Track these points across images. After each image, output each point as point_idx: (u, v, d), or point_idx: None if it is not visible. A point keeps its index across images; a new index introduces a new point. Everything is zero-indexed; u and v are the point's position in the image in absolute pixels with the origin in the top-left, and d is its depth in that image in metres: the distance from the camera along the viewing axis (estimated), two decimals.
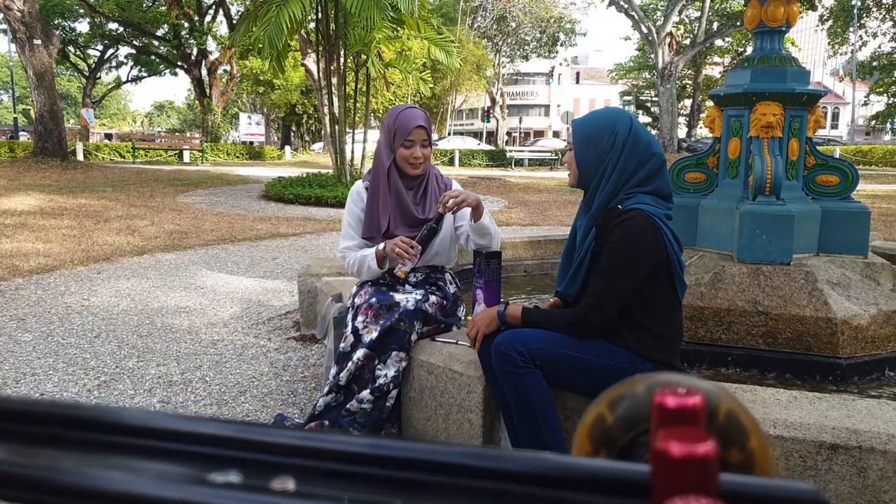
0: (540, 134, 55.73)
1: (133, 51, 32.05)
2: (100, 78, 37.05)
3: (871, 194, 12.37)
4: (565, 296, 2.07)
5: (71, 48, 30.39)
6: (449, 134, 37.09)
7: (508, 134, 47.70)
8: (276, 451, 0.29)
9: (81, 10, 28.40)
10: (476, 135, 44.61)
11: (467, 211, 2.37)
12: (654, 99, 37.41)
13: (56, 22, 27.93)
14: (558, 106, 55.87)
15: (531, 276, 5.15)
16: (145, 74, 34.71)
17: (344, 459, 0.29)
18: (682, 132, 35.30)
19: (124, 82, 36.91)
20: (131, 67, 34.70)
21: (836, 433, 1.81)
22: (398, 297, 2.30)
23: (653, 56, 26.48)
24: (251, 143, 29.89)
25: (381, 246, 2.33)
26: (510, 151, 26.75)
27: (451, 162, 25.92)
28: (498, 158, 26.35)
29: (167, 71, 33.03)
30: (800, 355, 2.93)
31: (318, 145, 33.17)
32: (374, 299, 2.29)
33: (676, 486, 0.26)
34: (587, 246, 1.93)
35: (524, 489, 0.28)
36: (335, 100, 11.25)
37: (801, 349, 2.93)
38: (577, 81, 61.16)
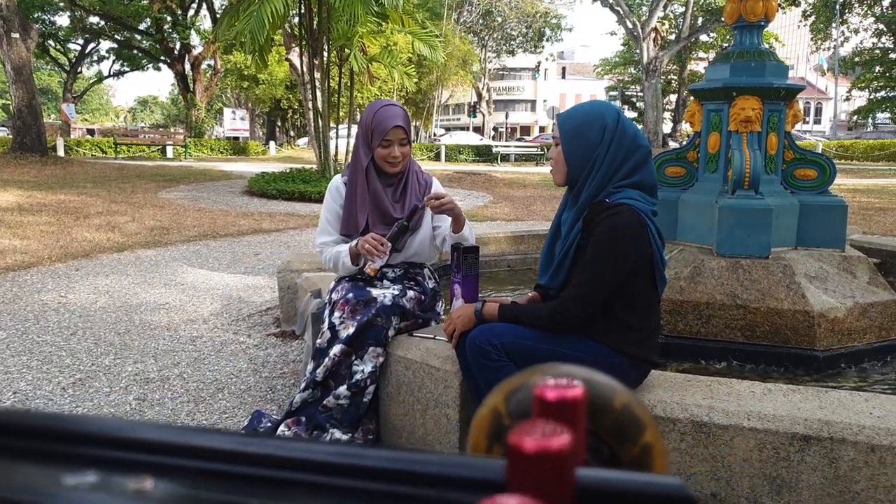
0: (526, 130, 55.80)
1: (115, 45, 31.64)
2: (81, 72, 36.61)
3: (851, 188, 12.49)
4: (547, 289, 2.06)
5: (51, 42, 29.98)
6: (448, 130, 37.06)
7: (495, 129, 47.73)
8: (136, 448, 0.28)
9: (61, 4, 28.01)
10: (463, 129, 44.55)
11: (442, 218, 2.41)
12: (639, 94, 37.55)
13: (35, 15, 27.53)
14: (544, 101, 55.91)
15: (514, 271, 5.15)
16: (127, 69, 34.31)
17: (208, 457, 0.28)
18: (667, 127, 35.47)
19: (106, 77, 36.51)
20: (113, 62, 34.28)
21: (808, 424, 1.82)
22: (375, 292, 2.29)
23: (638, 51, 26.57)
24: (236, 138, 29.67)
25: (353, 243, 2.31)
26: (496, 147, 26.75)
27: (437, 157, 25.89)
28: (484, 154, 26.34)
29: (150, 66, 32.67)
30: (778, 348, 2.95)
31: (302, 140, 33.00)
32: (350, 295, 2.27)
33: (530, 482, 0.25)
34: (573, 238, 1.92)
35: (384, 487, 0.27)
36: (319, 95, 11.18)
37: (779, 342, 2.95)
38: (563, 76, 61.26)
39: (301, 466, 0.27)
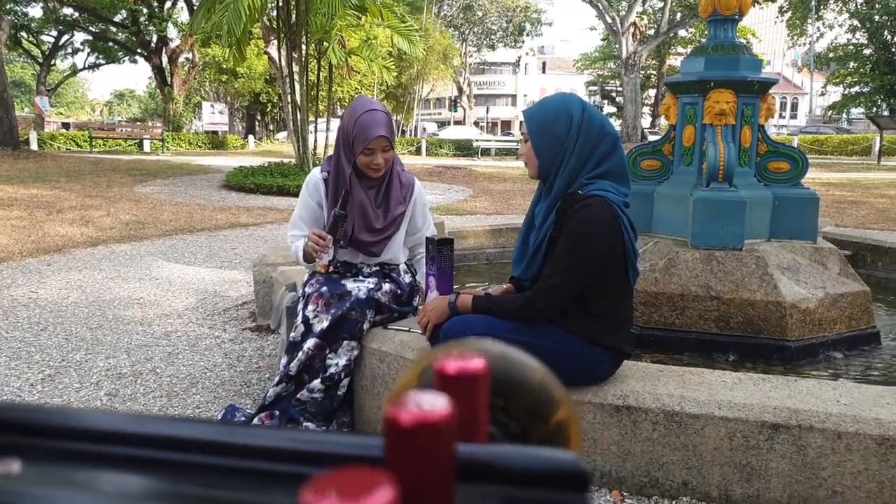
0: (507, 124, 55.85)
1: (89, 37, 31.08)
2: (55, 65, 35.97)
3: (825, 182, 12.68)
4: (521, 280, 2.06)
5: (23, 34, 29.36)
6: (446, 124, 36.91)
7: (476, 123, 47.71)
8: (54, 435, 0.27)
9: None
10: (443, 124, 44.48)
11: (420, 219, 2.48)
12: (618, 89, 37.72)
13: (7, 6, 26.96)
14: (525, 96, 56.02)
15: (492, 264, 5.16)
16: (103, 62, 33.74)
17: (79, 438, 0.27)
18: (646, 122, 35.70)
19: (81, 69, 35.91)
20: (88, 54, 33.70)
21: (777, 413, 1.84)
22: (350, 285, 2.27)
23: (617, 46, 26.68)
24: (214, 132, 29.33)
25: (301, 243, 2.31)
26: (476, 141, 26.74)
27: (418, 151, 25.83)
28: (465, 148, 26.32)
29: (126, 58, 32.15)
30: (750, 338, 2.98)
31: (282, 134, 32.75)
32: (324, 288, 2.26)
33: (406, 456, 0.25)
34: (546, 230, 1.93)
35: (266, 465, 0.27)
36: (297, 88, 11.09)
37: (752, 332, 2.98)
38: (544, 71, 61.40)
39: (183, 446, 0.27)
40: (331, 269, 2.31)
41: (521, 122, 2.08)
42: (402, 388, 0.39)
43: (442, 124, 44.50)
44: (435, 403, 0.25)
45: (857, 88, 32.32)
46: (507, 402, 0.36)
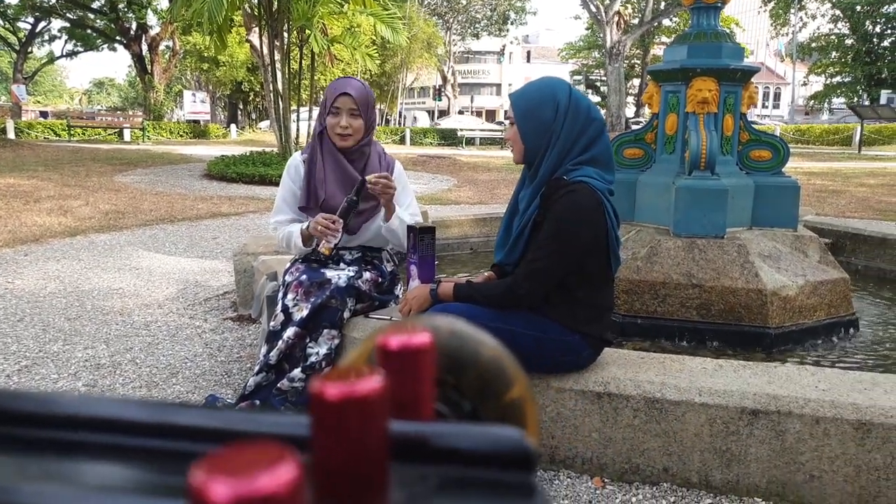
0: (492, 113, 55.75)
1: (67, 24, 30.53)
2: (31, 52, 35.26)
3: (807, 171, 12.79)
4: (503, 266, 2.06)
5: None
6: (445, 114, 36.67)
7: (461, 112, 47.57)
8: None
9: None
10: (430, 113, 44.28)
11: (402, 199, 2.42)
12: (603, 78, 37.78)
13: None
14: (510, 85, 55.85)
15: (476, 253, 5.16)
16: (81, 49, 33.16)
17: (55, 425, 0.25)
18: (630, 111, 35.79)
19: (58, 57, 35.25)
20: (66, 41, 33.10)
21: (757, 399, 1.85)
22: (329, 274, 2.25)
23: (601, 35, 26.67)
24: (196, 121, 29.00)
25: (304, 225, 2.27)
26: (461, 130, 26.67)
27: (402, 140, 25.72)
28: (449, 137, 26.25)
29: (105, 46, 31.63)
30: (732, 326, 3.00)
31: (265, 123, 32.45)
32: (304, 276, 2.23)
33: (333, 433, 0.23)
34: (530, 214, 1.92)
35: (189, 446, 0.25)
36: (280, 77, 10.98)
37: (733, 320, 3.00)
38: (528, 60, 61.28)
39: (102, 426, 0.25)
40: (342, 254, 2.29)
41: (505, 111, 2.06)
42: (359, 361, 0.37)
43: (431, 115, 44.28)
44: (366, 378, 0.24)
45: (838, 78, 32.62)
46: (458, 379, 0.35)
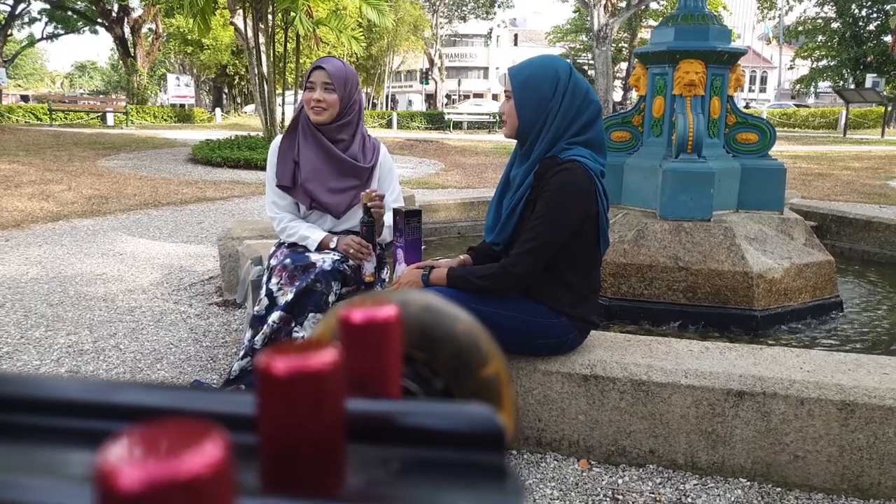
0: (479, 97, 55.50)
1: (47, 6, 29.96)
2: (11, 35, 34.58)
3: (792, 155, 12.85)
4: (493, 245, 2.04)
5: None
6: (445, 105, 36.45)
7: (448, 96, 47.32)
8: None
9: None
10: (427, 97, 43.95)
11: (386, 183, 2.45)
12: (590, 62, 37.65)
13: None
14: (497, 68, 55.57)
15: (464, 237, 5.14)
16: (62, 32, 32.61)
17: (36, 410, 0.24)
18: (617, 95, 35.76)
19: (39, 40, 34.64)
20: (46, 24, 32.51)
21: (742, 380, 1.86)
22: (314, 257, 2.23)
23: (589, 18, 26.54)
24: (181, 105, 28.65)
25: (333, 242, 2.28)
26: (448, 114, 26.54)
27: (389, 124, 25.57)
28: (437, 121, 26.12)
29: (86, 29, 31.11)
30: (718, 308, 3.01)
31: (250, 107, 32.14)
32: (288, 260, 2.21)
33: (283, 414, 0.21)
34: (523, 192, 1.90)
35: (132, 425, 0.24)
36: (265, 60, 10.84)
37: (720, 302, 3.01)
38: (516, 44, 60.94)
39: (34, 407, 0.23)
40: (376, 276, 2.30)
41: (504, 78, 2.04)
42: (324, 334, 0.35)
43: (428, 99, 43.94)
44: (319, 352, 0.22)
45: (824, 62, 32.73)
46: (430, 355, 0.33)
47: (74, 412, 0.24)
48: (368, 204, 2.21)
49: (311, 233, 2.33)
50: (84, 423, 0.24)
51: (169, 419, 0.18)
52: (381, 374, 0.26)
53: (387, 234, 2.34)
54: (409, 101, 35.91)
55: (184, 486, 0.16)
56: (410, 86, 54.45)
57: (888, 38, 26.44)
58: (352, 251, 2.22)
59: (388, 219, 2.32)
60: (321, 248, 2.30)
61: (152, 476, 0.16)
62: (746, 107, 34.35)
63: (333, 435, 0.22)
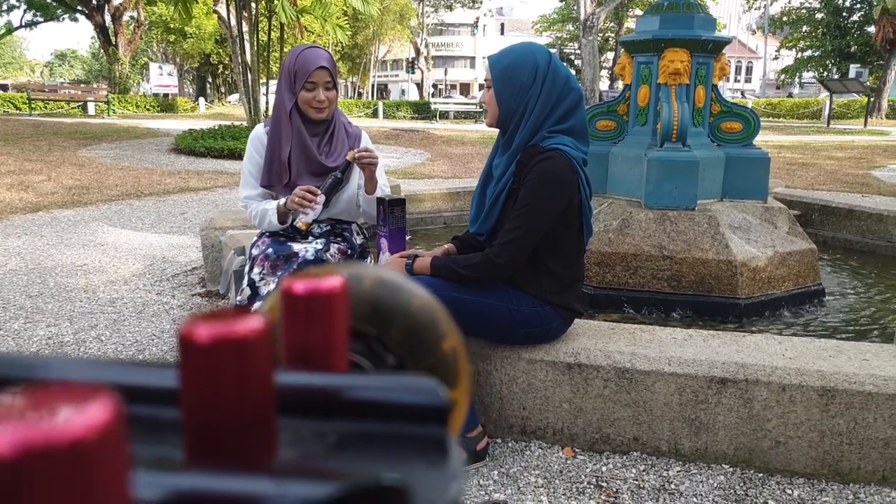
0: (466, 87, 55.36)
1: None
2: None
3: (777, 145, 12.94)
4: (477, 235, 2.03)
5: None
6: (432, 95, 36.18)
7: (434, 86, 47.13)
8: None
9: None
10: (418, 86, 43.65)
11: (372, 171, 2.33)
12: (577, 52, 37.63)
13: None
14: (484, 58, 55.44)
15: (450, 227, 5.13)
16: (41, 19, 32.03)
17: None
18: (604, 85, 35.78)
19: (17, 28, 34.00)
20: (24, 11, 31.93)
21: (725, 368, 1.86)
22: (297, 247, 2.21)
23: (575, 7, 26.50)
24: (164, 95, 28.32)
25: (282, 201, 2.20)
26: (435, 104, 26.44)
27: (374, 114, 25.44)
28: (423, 110, 26.02)
29: (66, 16, 30.59)
30: (702, 297, 3.03)
31: (234, 97, 31.83)
32: (270, 250, 2.18)
33: (206, 383, 0.20)
34: (505, 182, 1.89)
35: None
36: (248, 48, 10.73)
37: (704, 291, 3.02)
38: (502, 33, 60.76)
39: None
40: (312, 227, 2.22)
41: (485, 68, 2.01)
42: (267, 314, 0.34)
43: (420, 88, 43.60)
44: (245, 318, 0.21)
45: (809, 52, 32.91)
46: (383, 331, 0.32)
47: None
48: (356, 158, 2.12)
49: (269, 206, 2.26)
50: None
51: (55, 384, 0.16)
52: (326, 347, 0.24)
53: (382, 189, 2.27)
54: (403, 91, 35.69)
55: (65, 451, 0.15)
56: (396, 75, 54.16)
57: (872, 29, 26.63)
58: (296, 200, 2.11)
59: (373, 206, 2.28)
60: (282, 217, 2.23)
61: (28, 440, 0.14)
62: (743, 96, 34.45)
63: (263, 406, 0.21)
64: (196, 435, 0.20)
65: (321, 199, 2.12)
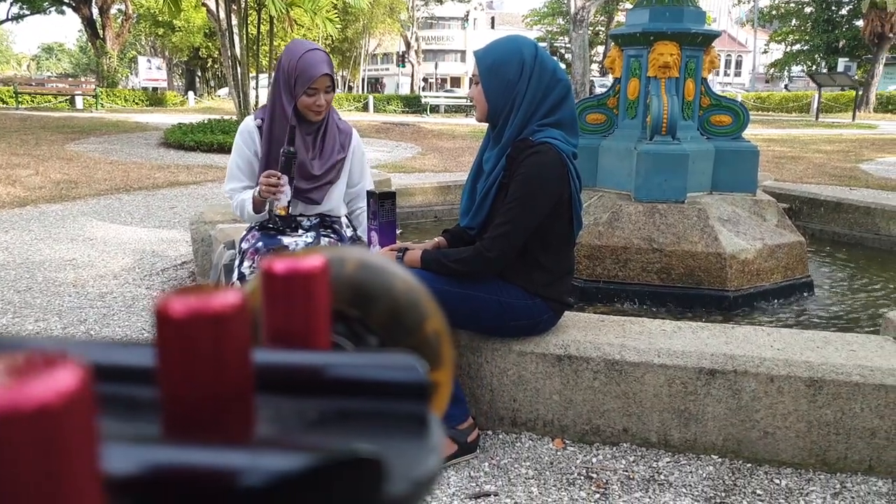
0: (456, 81, 55.24)
1: None
2: None
3: (766, 138, 12.99)
4: (466, 230, 2.03)
5: None
6: (422, 89, 35.98)
7: (425, 80, 47.01)
8: None
9: None
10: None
11: (357, 172, 2.40)
12: (567, 45, 37.62)
13: None
14: (474, 52, 55.27)
15: (440, 221, 5.13)
16: (27, 12, 31.66)
17: None
18: (598, 82, 35.78)
19: (3, 21, 33.64)
20: (10, 4, 31.55)
21: (714, 359, 1.88)
22: (286, 240, 2.20)
23: (566, 1, 26.48)
24: (154, 89, 28.09)
25: (255, 191, 2.19)
26: (425, 97, 26.38)
27: (365, 108, 25.36)
28: (413, 104, 25.96)
29: (52, 9, 30.26)
30: (691, 289, 3.04)
31: (223, 91, 31.64)
32: (260, 244, 2.18)
33: (183, 359, 0.20)
34: (495, 176, 1.89)
35: None
36: (237, 42, 10.66)
37: (693, 283, 3.04)
38: (493, 26, 60.64)
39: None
40: (290, 210, 2.20)
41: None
42: (249, 296, 0.34)
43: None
44: (222, 294, 0.21)
45: (798, 46, 33.05)
46: (365, 312, 0.32)
47: None
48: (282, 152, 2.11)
49: (245, 196, 2.25)
50: None
51: (22, 353, 0.16)
52: (307, 328, 0.25)
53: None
54: (398, 85, 35.52)
55: (30, 416, 0.14)
56: (387, 69, 53.98)
57: (860, 23, 26.77)
58: (263, 189, 2.09)
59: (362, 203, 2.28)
60: (258, 206, 2.22)
61: None
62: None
63: (240, 382, 0.21)
64: (172, 410, 0.21)
65: (285, 179, 2.11)
